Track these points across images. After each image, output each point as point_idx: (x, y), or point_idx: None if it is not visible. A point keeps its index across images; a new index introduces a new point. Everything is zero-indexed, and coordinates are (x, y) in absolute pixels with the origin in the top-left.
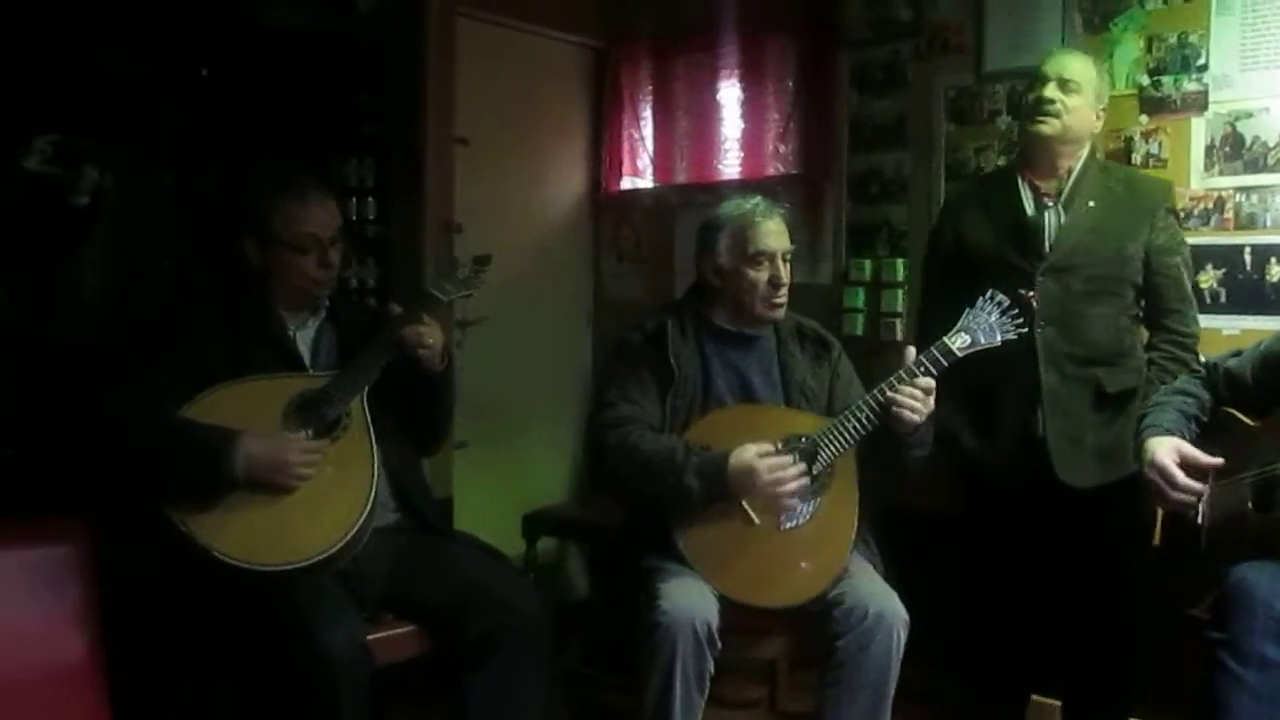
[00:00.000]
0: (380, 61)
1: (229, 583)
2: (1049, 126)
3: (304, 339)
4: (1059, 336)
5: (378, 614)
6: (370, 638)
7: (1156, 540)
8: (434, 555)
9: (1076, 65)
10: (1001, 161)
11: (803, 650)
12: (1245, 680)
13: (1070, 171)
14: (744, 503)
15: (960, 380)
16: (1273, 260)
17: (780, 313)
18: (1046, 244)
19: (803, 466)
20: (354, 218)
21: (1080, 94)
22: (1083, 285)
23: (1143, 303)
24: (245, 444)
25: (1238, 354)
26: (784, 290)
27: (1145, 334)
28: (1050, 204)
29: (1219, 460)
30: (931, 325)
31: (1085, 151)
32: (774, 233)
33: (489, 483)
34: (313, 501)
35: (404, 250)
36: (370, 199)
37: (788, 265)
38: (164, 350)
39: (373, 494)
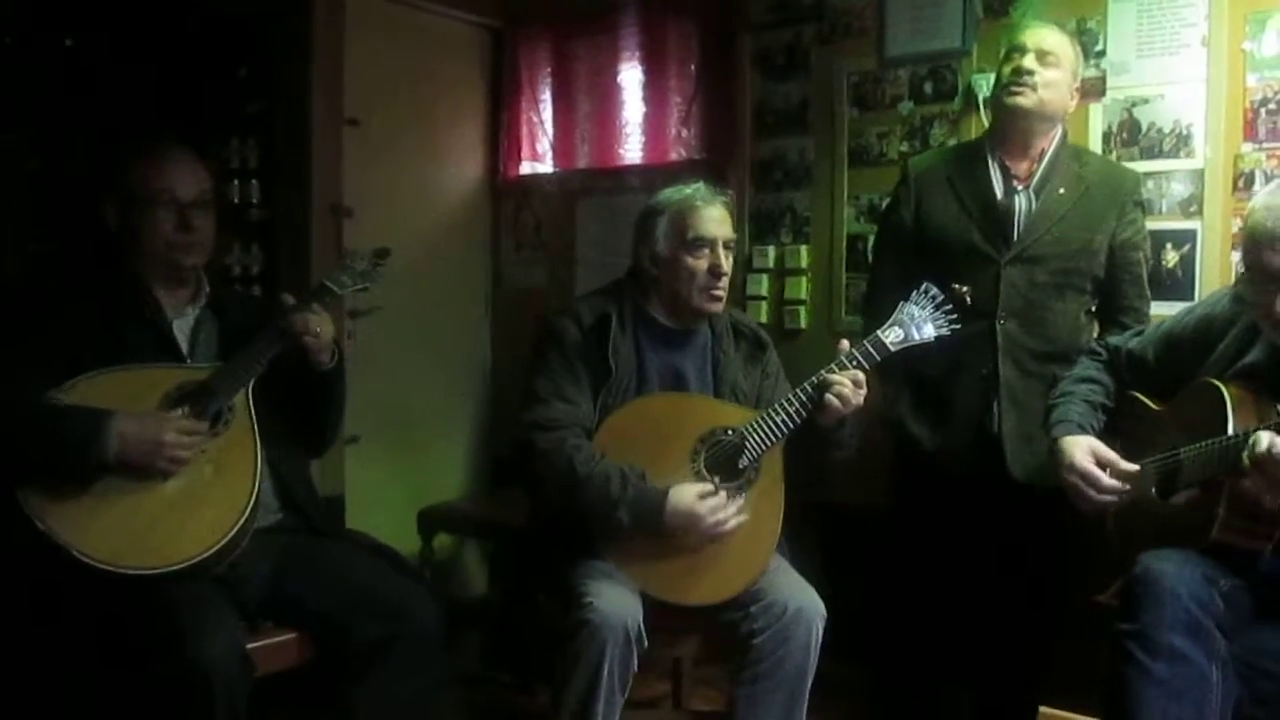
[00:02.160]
0: (265, 35)
1: (93, 586)
2: (1026, 99)
3: (182, 327)
4: (1020, 330)
5: (257, 621)
6: (249, 646)
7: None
8: (319, 557)
9: (1055, 39)
10: (904, 148)
11: (709, 646)
12: (1154, 672)
13: (1043, 154)
14: None
15: (911, 369)
16: (1168, 246)
17: (718, 305)
18: (1015, 231)
19: (740, 503)
20: (236, 200)
21: (1058, 68)
22: (1049, 277)
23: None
24: (117, 423)
25: (1139, 334)
26: (724, 280)
27: (1096, 329)
28: (1021, 187)
29: (1135, 467)
30: (878, 310)
31: (1059, 133)
32: (715, 219)
33: (383, 478)
34: (188, 501)
35: (290, 236)
36: (254, 181)
37: (729, 255)
38: (26, 333)
39: (254, 496)
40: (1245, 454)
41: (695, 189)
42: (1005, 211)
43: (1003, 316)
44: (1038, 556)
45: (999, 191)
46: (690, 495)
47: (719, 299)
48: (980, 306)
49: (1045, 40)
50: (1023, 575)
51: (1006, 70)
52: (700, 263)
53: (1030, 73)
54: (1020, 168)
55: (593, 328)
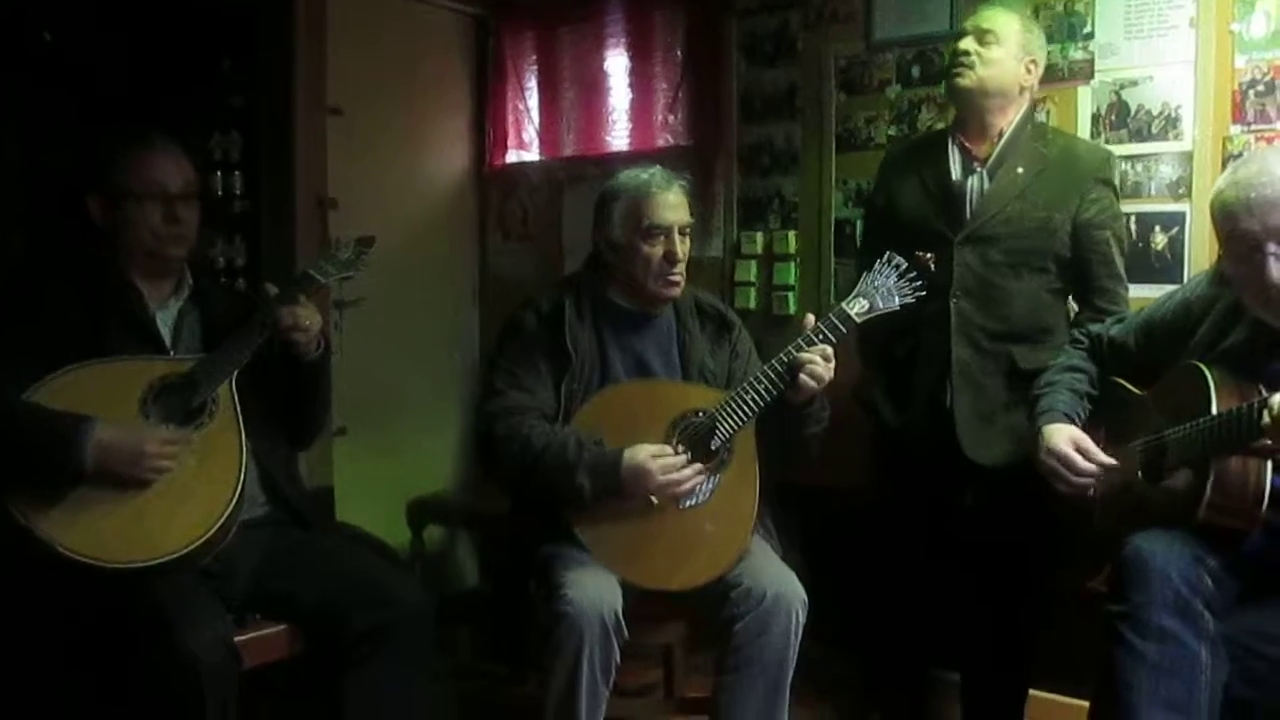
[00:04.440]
0: (247, 26)
1: (78, 581)
2: (965, 79)
3: (165, 319)
4: (974, 309)
5: (244, 614)
6: (238, 639)
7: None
8: (306, 549)
9: (998, 17)
10: (893, 131)
11: (699, 633)
12: (1145, 653)
13: (1002, 134)
14: None
15: (881, 348)
16: (1157, 229)
17: (676, 291)
18: (968, 211)
19: (698, 466)
20: (220, 193)
21: (1000, 45)
22: (1003, 257)
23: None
24: (97, 432)
25: (1120, 321)
26: (680, 267)
27: (1072, 310)
28: (978, 168)
29: (1113, 461)
30: None
31: (1019, 112)
32: (671, 205)
33: (371, 470)
34: (172, 494)
35: (274, 227)
36: (237, 173)
37: (686, 240)
38: (7, 327)
39: (240, 487)
40: (1267, 413)
41: (651, 174)
42: (959, 192)
43: (957, 295)
44: (1000, 535)
45: (955, 172)
46: (643, 453)
47: (676, 284)
48: (937, 285)
49: (985, 20)
50: (993, 555)
51: (948, 54)
52: (656, 250)
53: (967, 53)
54: (980, 149)
55: (549, 316)
